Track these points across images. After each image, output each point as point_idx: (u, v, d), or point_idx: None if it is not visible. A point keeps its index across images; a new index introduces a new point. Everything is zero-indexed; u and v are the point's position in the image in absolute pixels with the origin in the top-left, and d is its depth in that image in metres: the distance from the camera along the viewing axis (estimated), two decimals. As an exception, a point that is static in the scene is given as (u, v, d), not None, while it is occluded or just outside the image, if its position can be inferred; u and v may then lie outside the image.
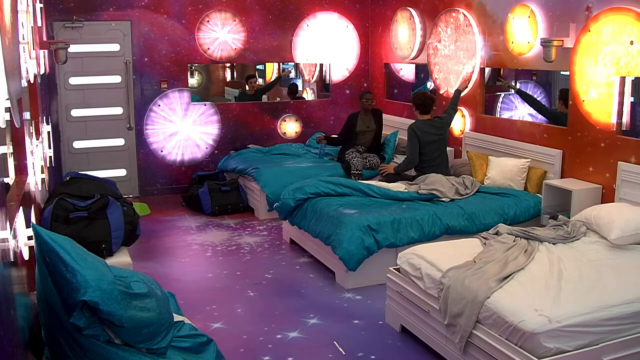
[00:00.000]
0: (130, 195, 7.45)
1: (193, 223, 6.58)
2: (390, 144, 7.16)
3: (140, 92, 7.43)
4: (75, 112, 7.24)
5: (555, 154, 5.19)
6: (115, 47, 7.25)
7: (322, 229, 4.82)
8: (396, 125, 7.47)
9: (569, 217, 4.32)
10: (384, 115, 7.25)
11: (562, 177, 5.13)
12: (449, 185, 5.28)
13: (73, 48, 6.54)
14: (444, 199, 5.18)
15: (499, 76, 5.79)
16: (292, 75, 7.61)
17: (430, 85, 7.25)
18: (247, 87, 7.99)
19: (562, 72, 5.23)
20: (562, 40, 5.01)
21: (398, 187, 5.41)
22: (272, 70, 8.68)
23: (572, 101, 4.99)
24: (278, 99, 8.36)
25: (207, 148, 7.95)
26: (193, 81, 8.00)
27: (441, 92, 6.79)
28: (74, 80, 7.17)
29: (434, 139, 5.59)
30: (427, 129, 5.61)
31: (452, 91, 6.50)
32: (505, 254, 3.57)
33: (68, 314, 2.16)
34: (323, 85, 8.55)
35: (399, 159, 6.82)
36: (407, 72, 7.89)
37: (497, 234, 4.01)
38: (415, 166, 5.73)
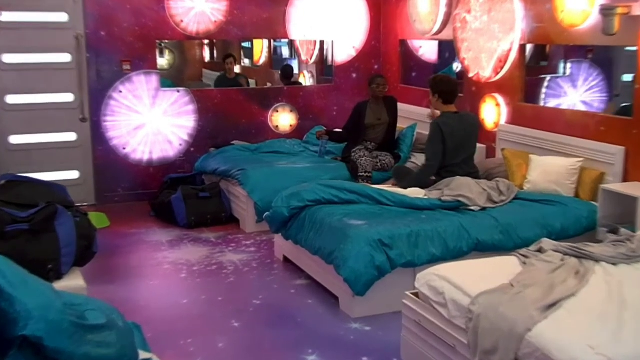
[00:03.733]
0: (85, 204, 7.52)
1: (164, 237, 6.71)
2: (407, 140, 7.29)
3: (97, 74, 7.50)
4: (12, 99, 7.16)
5: (616, 152, 5.22)
6: (62, 16, 7.16)
7: (323, 243, 4.91)
8: (414, 116, 7.62)
9: (634, 231, 4.32)
10: (399, 105, 7.34)
11: (624, 180, 5.17)
12: (479, 190, 5.35)
13: (6, 16, 6.54)
14: (473, 208, 5.26)
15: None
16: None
17: (456, 67, 7.35)
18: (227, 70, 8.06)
19: (627, 48, 5.20)
20: (629, 7, 4.88)
21: (416, 192, 5.50)
22: (260, 49, 8.93)
23: (640, 84, 4.57)
24: (269, 85, 8.49)
25: (181, 145, 8.10)
26: (163, 62, 8.18)
27: (470, 75, 6.88)
28: (9, 58, 7.04)
29: (461, 141, 5.56)
30: (455, 125, 5.56)
31: (484, 74, 6.72)
32: (551, 276, 3.58)
33: (2, 353, 2.07)
34: (324, 67, 8.77)
35: (418, 159, 6.96)
36: (428, 50, 8.06)
37: (540, 251, 4.05)
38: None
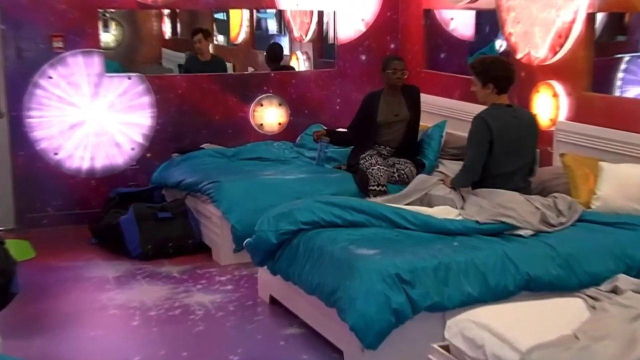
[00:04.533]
0: (2, 228, 7.44)
1: (110, 272, 6.66)
2: (433, 143, 7.39)
3: (16, 54, 7.49)
4: None
5: None
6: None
7: (322, 279, 4.93)
8: (443, 112, 7.72)
9: None
10: (423, 96, 7.40)
11: None
12: (530, 209, 5.36)
13: None
14: (522, 232, 5.25)
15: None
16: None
17: (500, 45, 7.47)
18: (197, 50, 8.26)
19: None
20: None
21: (446, 212, 5.55)
22: (239, 23, 9.19)
23: None
24: (251, 70, 8.63)
25: (133, 149, 8.12)
26: (108, 38, 8.28)
27: (518, 56, 6.96)
28: None
29: (515, 144, 5.65)
30: (509, 122, 5.64)
31: (537, 55, 6.81)
32: (631, 327, 3.55)
33: None
34: (324, 47, 8.89)
35: (448, 167, 7.13)
36: (461, 24, 8.16)
37: (614, 291, 4.06)
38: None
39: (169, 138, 8.00)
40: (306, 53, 9.07)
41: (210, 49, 8.81)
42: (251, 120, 8.51)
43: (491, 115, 5.60)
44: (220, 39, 8.74)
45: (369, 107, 7.29)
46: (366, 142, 7.25)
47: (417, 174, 6.80)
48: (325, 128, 7.91)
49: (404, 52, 8.65)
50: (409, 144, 7.30)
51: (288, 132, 8.51)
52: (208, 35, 8.62)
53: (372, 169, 6.94)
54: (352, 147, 7.38)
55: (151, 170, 7.81)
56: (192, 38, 8.55)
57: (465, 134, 5.74)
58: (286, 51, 9.04)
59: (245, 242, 5.85)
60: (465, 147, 5.81)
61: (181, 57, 8.83)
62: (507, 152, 5.60)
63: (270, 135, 8.49)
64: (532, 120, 5.88)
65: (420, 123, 7.33)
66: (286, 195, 6.45)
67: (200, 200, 7.10)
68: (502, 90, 5.70)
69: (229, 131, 8.33)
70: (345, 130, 7.58)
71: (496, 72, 5.72)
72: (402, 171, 7.11)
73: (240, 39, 9.44)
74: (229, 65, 8.88)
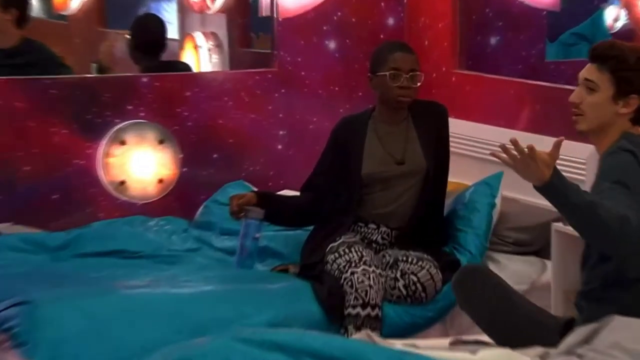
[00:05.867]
0: None
1: None
2: (476, 220, 5.76)
3: None
4: None
5: None
6: None
7: None
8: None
9: None
10: (454, 124, 6.05)
11: None
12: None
13: None
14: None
15: None
16: None
17: (614, 17, 6.66)
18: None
19: None
20: None
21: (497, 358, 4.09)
22: None
23: None
24: (94, 66, 7.55)
25: None
26: None
27: None
28: None
29: None
30: None
31: None
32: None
33: None
34: (250, 24, 8.08)
35: (513, 262, 5.61)
36: None
37: None
38: (587, 280, 4.31)
39: None
40: (213, 36, 7.54)
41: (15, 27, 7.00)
42: (101, 174, 6.62)
43: None
44: (34, 5, 7.84)
45: (345, 146, 5.79)
46: (340, 216, 5.71)
47: (440, 279, 5.39)
48: (255, 190, 6.29)
49: (415, 35, 7.25)
50: (427, 219, 5.68)
51: (178, 200, 6.86)
52: (9, 3, 6.88)
53: (353, 275, 5.21)
54: (312, 227, 5.89)
55: None
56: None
57: (541, 202, 4.47)
58: (173, 33, 7.67)
59: None
60: (610, 192, 4.23)
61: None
62: None
63: (140, 205, 6.77)
64: None
65: (450, 178, 5.89)
66: (176, 327, 4.93)
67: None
68: None
69: (52, 197, 6.65)
70: (297, 193, 6.19)
71: None
72: (413, 278, 5.31)
73: (73, 6, 8.16)
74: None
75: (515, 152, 4.08)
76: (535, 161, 4.04)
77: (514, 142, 3.90)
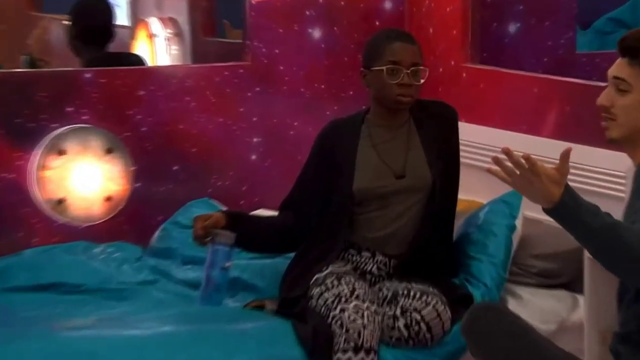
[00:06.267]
0: None
1: None
2: (492, 245, 5.12)
3: None
4: None
5: None
6: None
7: None
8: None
9: None
10: (465, 128, 5.65)
11: None
12: None
13: None
14: None
15: None
16: None
17: None
18: None
19: None
20: None
21: None
22: None
23: None
24: (23, 57, 6.97)
25: None
26: None
27: None
28: None
29: None
30: None
31: None
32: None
33: None
34: (217, 7, 7.89)
35: (536, 296, 5.01)
36: None
37: None
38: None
39: None
40: (172, 23, 7.13)
41: None
42: (34, 190, 5.95)
43: None
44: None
45: (334, 156, 5.25)
46: (328, 241, 5.09)
47: (453, 320, 4.78)
48: (224, 209, 5.79)
49: (417, 21, 6.78)
50: (432, 245, 5.12)
51: (129, 222, 6.30)
52: None
53: (343, 312, 4.58)
54: (293, 254, 5.36)
55: None
56: None
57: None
58: (122, 18, 7.40)
59: None
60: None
61: None
62: None
63: (83, 229, 6.21)
64: None
65: (460, 194, 5.36)
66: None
67: None
68: None
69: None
70: (275, 213, 5.64)
71: None
72: (415, 316, 4.64)
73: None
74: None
75: (511, 165, 3.64)
76: (539, 177, 3.54)
77: (507, 152, 3.45)
